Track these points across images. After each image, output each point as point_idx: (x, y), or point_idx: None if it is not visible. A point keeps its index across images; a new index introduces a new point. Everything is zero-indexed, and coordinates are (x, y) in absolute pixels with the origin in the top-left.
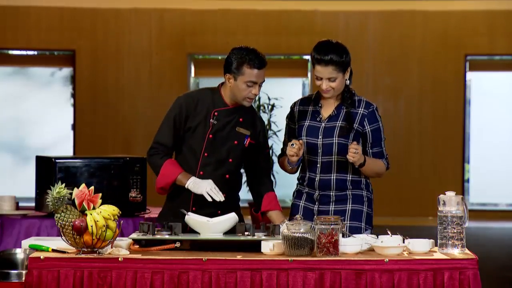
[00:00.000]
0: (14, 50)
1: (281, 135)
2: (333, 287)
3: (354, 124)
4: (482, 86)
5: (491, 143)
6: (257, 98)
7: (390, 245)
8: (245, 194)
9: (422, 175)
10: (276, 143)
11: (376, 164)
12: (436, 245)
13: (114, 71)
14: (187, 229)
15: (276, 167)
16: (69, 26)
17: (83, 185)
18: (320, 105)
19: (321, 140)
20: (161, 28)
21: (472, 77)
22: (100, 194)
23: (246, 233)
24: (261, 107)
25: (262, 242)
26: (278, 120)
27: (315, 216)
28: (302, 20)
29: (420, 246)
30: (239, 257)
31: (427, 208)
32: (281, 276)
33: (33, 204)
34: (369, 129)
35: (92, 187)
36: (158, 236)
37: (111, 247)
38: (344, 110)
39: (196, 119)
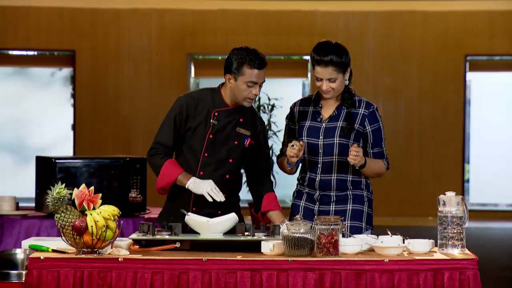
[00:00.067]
0: (14, 50)
1: (281, 136)
2: (333, 287)
3: (355, 125)
4: (482, 86)
5: (491, 143)
6: (257, 98)
7: (390, 245)
8: (245, 194)
9: (422, 175)
10: (276, 143)
11: (377, 164)
12: (436, 245)
13: (114, 71)
14: (187, 229)
15: (276, 167)
16: (69, 26)
17: (83, 185)
18: (320, 105)
19: (322, 140)
20: (161, 28)
21: (472, 77)
22: (100, 195)
23: (246, 233)
24: (261, 107)
25: (262, 242)
26: (278, 121)
27: (315, 216)
28: (302, 20)
29: (420, 246)
30: (239, 257)
31: (427, 208)
32: (281, 276)
33: (33, 204)
34: (369, 129)
35: (92, 187)
36: (158, 237)
37: (111, 248)
38: (345, 110)
39: (196, 120)
